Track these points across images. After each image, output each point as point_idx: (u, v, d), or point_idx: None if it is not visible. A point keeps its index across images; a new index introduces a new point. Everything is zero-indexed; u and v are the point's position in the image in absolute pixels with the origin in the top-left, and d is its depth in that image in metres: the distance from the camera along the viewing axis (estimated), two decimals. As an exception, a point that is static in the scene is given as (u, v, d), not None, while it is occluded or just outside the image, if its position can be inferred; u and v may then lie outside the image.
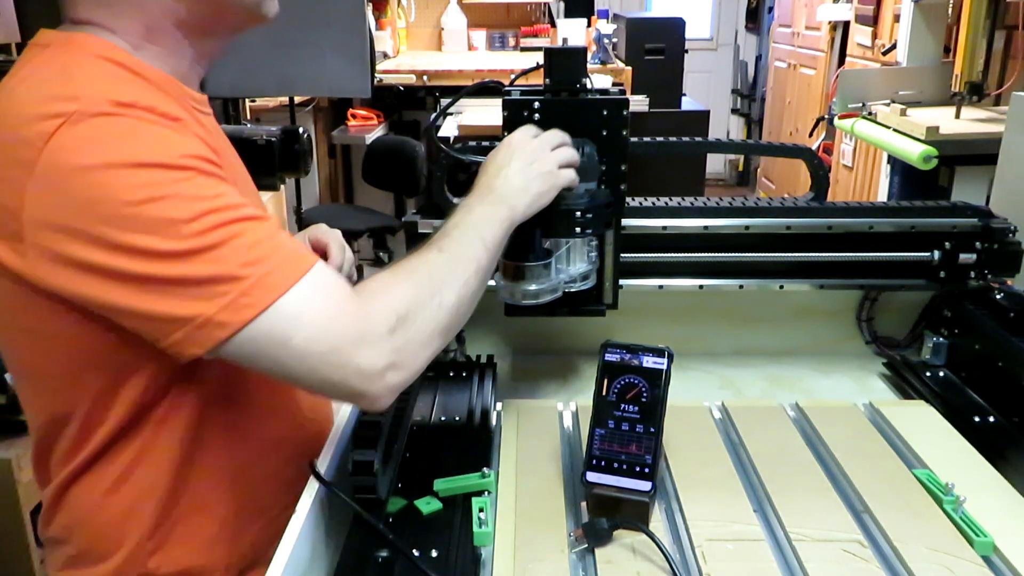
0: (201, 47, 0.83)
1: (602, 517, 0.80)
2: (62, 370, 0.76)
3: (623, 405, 0.83)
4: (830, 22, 4.02)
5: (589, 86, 1.01)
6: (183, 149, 0.70)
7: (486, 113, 3.45)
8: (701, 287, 1.21)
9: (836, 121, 2.84)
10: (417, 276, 0.76)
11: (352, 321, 0.70)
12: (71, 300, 0.69)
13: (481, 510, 0.81)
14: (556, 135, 0.94)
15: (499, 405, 1.08)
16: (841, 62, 3.84)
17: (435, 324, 0.76)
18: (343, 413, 0.88)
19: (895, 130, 2.51)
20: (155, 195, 0.66)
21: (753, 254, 1.20)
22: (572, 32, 4.26)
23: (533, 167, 0.90)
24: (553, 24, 4.80)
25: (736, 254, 1.20)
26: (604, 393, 0.84)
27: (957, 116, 2.52)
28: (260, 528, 0.89)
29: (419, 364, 0.76)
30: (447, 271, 0.78)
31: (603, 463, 0.82)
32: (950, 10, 2.56)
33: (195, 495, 0.83)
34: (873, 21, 3.41)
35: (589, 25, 4.37)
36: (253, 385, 0.87)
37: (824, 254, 1.19)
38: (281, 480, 0.89)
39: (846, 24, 3.82)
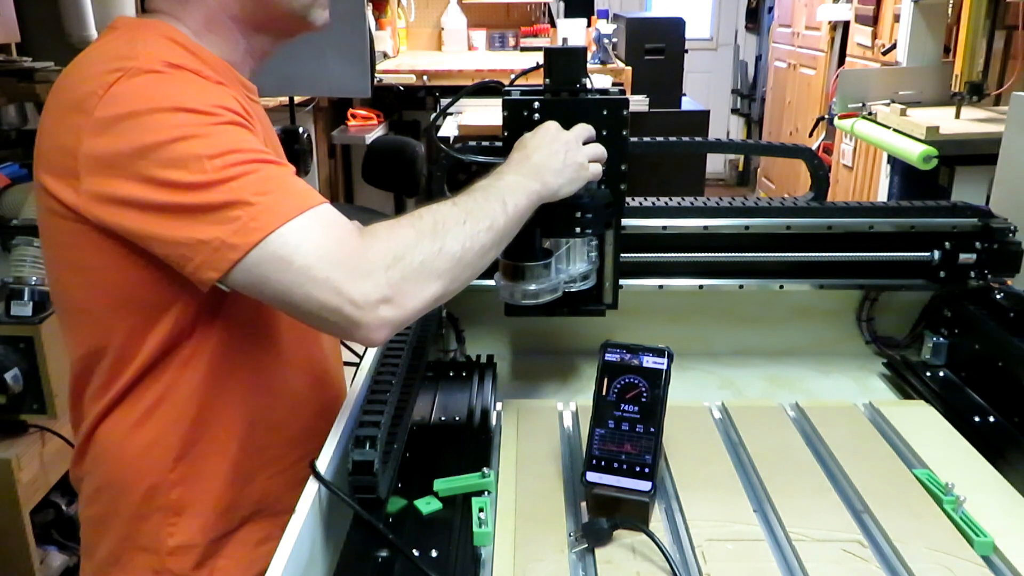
0: (254, 43, 0.92)
1: (602, 517, 0.80)
2: (102, 304, 0.83)
3: (623, 405, 0.83)
4: (830, 22, 4.02)
5: (589, 86, 1.01)
6: (219, 101, 0.78)
7: (486, 113, 3.45)
8: (701, 287, 1.21)
9: (836, 121, 2.84)
10: (422, 222, 0.79)
11: (350, 253, 0.74)
12: (115, 233, 0.76)
13: (481, 510, 0.81)
14: (586, 129, 0.97)
15: (499, 405, 1.08)
16: (841, 62, 3.84)
17: (434, 267, 0.78)
18: (343, 412, 0.88)
19: (895, 130, 2.51)
20: (187, 134, 0.73)
21: (753, 254, 1.20)
22: (572, 32, 4.26)
23: (568, 155, 0.93)
24: (553, 24, 4.79)
25: (736, 254, 1.20)
26: (604, 393, 0.84)
27: (957, 116, 2.52)
28: (269, 476, 0.94)
29: (415, 304, 0.77)
30: (455, 221, 0.80)
31: (603, 463, 0.82)
32: (950, 10, 2.56)
33: (214, 435, 0.89)
34: (873, 21, 3.40)
35: (589, 25, 4.37)
36: (275, 335, 0.92)
37: (824, 254, 1.19)
38: (294, 433, 0.95)
39: (846, 24, 3.82)
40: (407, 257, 0.75)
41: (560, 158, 0.92)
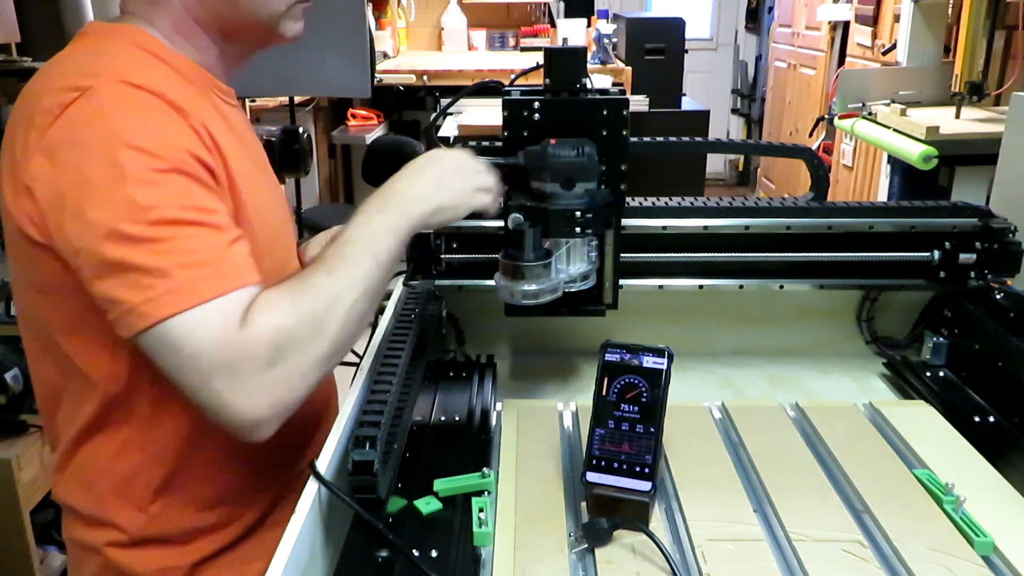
0: (227, 49, 0.90)
1: (602, 517, 0.80)
2: (65, 326, 0.82)
3: (623, 405, 0.83)
4: (830, 22, 4.02)
5: (589, 86, 1.01)
6: (174, 141, 0.75)
7: (486, 113, 3.45)
8: (701, 287, 1.21)
9: (836, 121, 2.84)
10: (302, 304, 0.76)
11: (237, 357, 0.72)
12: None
13: (481, 510, 0.81)
14: (483, 163, 0.95)
15: (499, 405, 1.08)
16: (841, 62, 3.84)
17: (316, 355, 0.77)
18: (343, 412, 0.88)
19: (895, 130, 2.51)
20: (129, 176, 0.71)
21: (753, 254, 1.20)
22: (572, 32, 4.26)
23: (445, 180, 0.90)
24: (553, 24, 4.79)
25: (736, 254, 1.20)
26: (604, 393, 0.84)
27: (957, 116, 2.52)
28: (259, 496, 0.93)
29: (298, 396, 0.76)
30: (333, 298, 0.78)
31: (603, 463, 0.82)
32: (950, 10, 2.56)
33: (199, 463, 0.87)
34: (873, 21, 3.41)
35: (589, 25, 4.37)
36: None
37: (824, 254, 1.19)
38: (284, 453, 0.94)
39: (846, 24, 3.82)
40: (289, 348, 0.74)
41: (432, 183, 0.89)
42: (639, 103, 3.64)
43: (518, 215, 0.96)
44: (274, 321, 0.74)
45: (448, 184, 0.90)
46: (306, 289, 0.78)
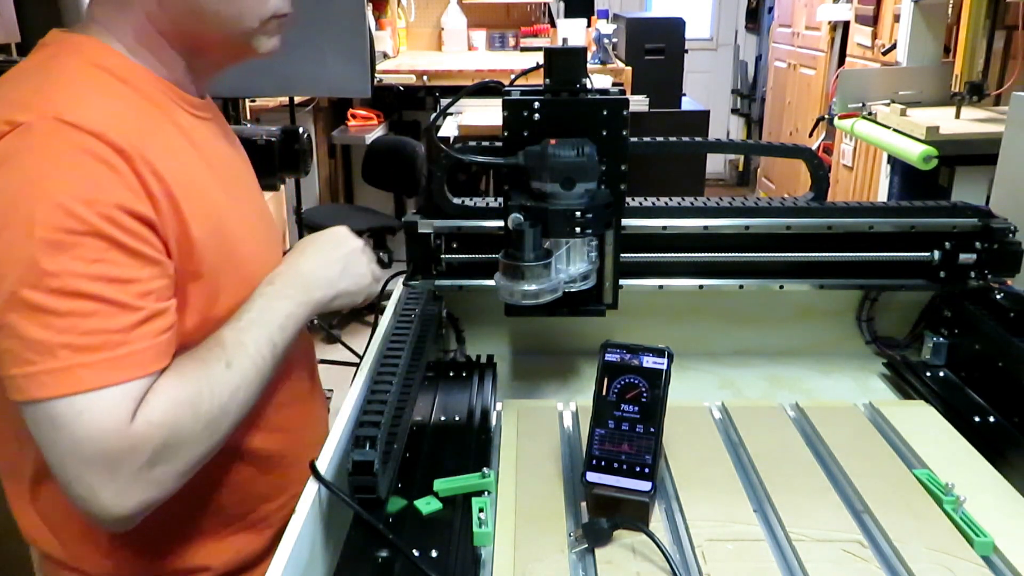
0: (196, 63, 0.85)
1: (602, 517, 0.80)
2: None
3: (623, 405, 0.83)
4: (830, 22, 4.02)
5: (589, 86, 1.01)
6: (101, 196, 0.69)
7: (486, 113, 3.45)
8: (701, 287, 1.21)
9: (836, 121, 2.84)
10: (201, 404, 0.73)
11: (118, 454, 0.68)
12: None
13: (481, 510, 0.81)
14: (367, 249, 0.95)
15: (499, 405, 1.08)
16: (841, 62, 3.84)
17: (201, 454, 0.75)
18: (343, 412, 0.88)
19: (895, 130, 2.51)
20: (41, 235, 0.66)
21: (753, 254, 1.20)
22: (572, 32, 4.26)
23: (350, 265, 0.91)
24: (553, 24, 4.79)
25: (736, 254, 1.20)
26: (604, 393, 0.84)
27: (957, 116, 2.52)
28: (239, 533, 0.90)
29: (169, 494, 0.73)
30: (230, 396, 0.76)
31: (603, 463, 0.82)
32: (950, 10, 2.56)
33: (166, 507, 0.78)
34: (873, 21, 3.41)
35: (589, 25, 4.37)
36: None
37: (824, 254, 1.19)
38: (251, 491, 0.91)
39: (846, 24, 3.82)
40: (176, 448, 0.71)
41: (336, 269, 0.89)
42: (639, 103, 3.64)
43: (518, 215, 0.96)
44: (171, 421, 0.71)
45: (352, 269, 0.90)
46: (207, 384, 0.74)
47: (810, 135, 3.92)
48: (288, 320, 0.84)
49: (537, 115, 1.00)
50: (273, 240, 0.96)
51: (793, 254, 1.19)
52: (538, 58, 1.01)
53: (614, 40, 3.97)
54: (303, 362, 0.99)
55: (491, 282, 1.01)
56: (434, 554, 0.74)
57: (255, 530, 0.92)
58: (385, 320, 1.09)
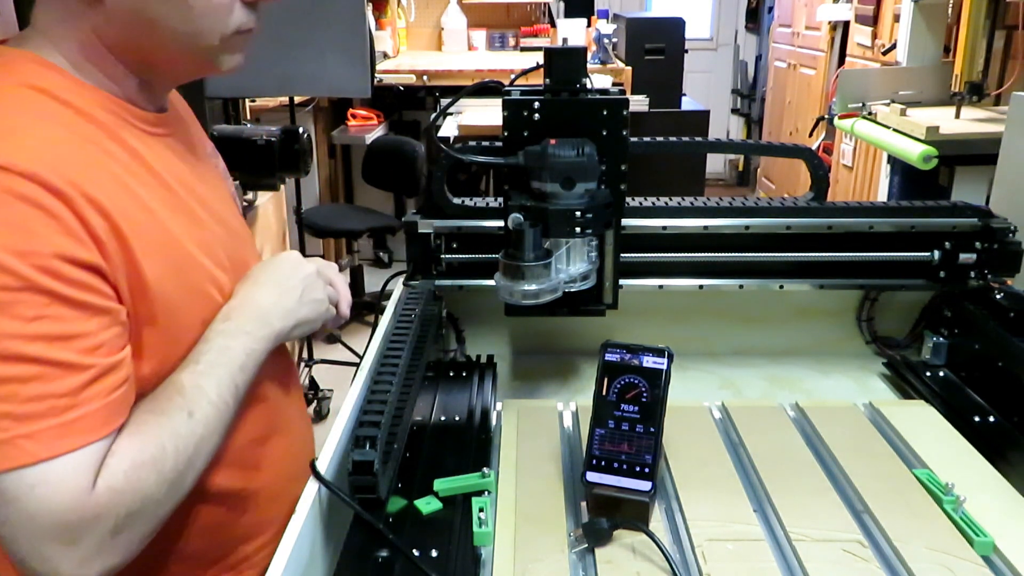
0: (151, 79, 0.77)
1: (602, 517, 0.80)
2: None
3: (623, 405, 0.83)
4: (830, 22, 4.02)
5: (589, 86, 1.01)
6: (36, 246, 0.62)
7: (486, 113, 3.45)
8: (701, 287, 1.21)
9: (836, 121, 2.84)
10: (165, 463, 0.68)
11: (77, 523, 0.63)
12: None
13: (481, 510, 0.81)
14: (328, 266, 0.92)
15: (499, 405, 1.08)
16: (841, 62, 3.84)
17: (165, 514, 0.70)
18: (343, 412, 0.88)
19: (895, 130, 2.51)
20: None
21: (753, 254, 1.20)
22: (572, 32, 4.26)
23: (306, 291, 0.86)
24: (553, 24, 4.79)
25: (736, 254, 1.20)
26: (604, 393, 0.84)
27: (957, 116, 2.53)
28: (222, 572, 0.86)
29: (138, 552, 0.69)
30: (195, 449, 0.71)
31: (603, 463, 0.82)
32: (950, 10, 2.56)
33: (138, 561, 0.72)
34: (873, 21, 3.41)
35: (589, 25, 4.37)
36: None
37: (824, 254, 1.19)
38: (228, 534, 0.85)
39: (846, 24, 3.82)
40: (139, 514, 0.66)
41: (295, 296, 0.84)
42: (639, 103, 3.65)
43: (518, 215, 0.96)
44: (134, 486, 0.66)
45: (309, 296, 0.86)
46: (170, 440, 0.69)
47: (810, 135, 3.92)
48: (249, 358, 0.79)
49: (537, 115, 1.00)
50: (245, 257, 0.89)
51: (793, 254, 1.19)
52: (538, 58, 1.01)
53: (614, 40, 3.97)
54: (278, 391, 0.90)
55: (491, 282, 1.01)
56: (434, 554, 0.74)
57: (236, 571, 0.87)
58: (385, 320, 1.09)
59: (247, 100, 3.20)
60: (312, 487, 0.77)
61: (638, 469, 0.81)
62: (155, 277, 0.71)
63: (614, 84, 3.60)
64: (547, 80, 1.01)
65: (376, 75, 3.76)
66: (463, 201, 1.21)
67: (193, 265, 0.77)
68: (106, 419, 0.65)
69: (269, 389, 0.87)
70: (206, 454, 0.74)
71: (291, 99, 2.96)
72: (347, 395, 0.92)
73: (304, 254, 0.92)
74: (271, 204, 2.55)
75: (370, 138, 3.73)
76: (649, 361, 0.84)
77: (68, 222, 0.63)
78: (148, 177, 0.74)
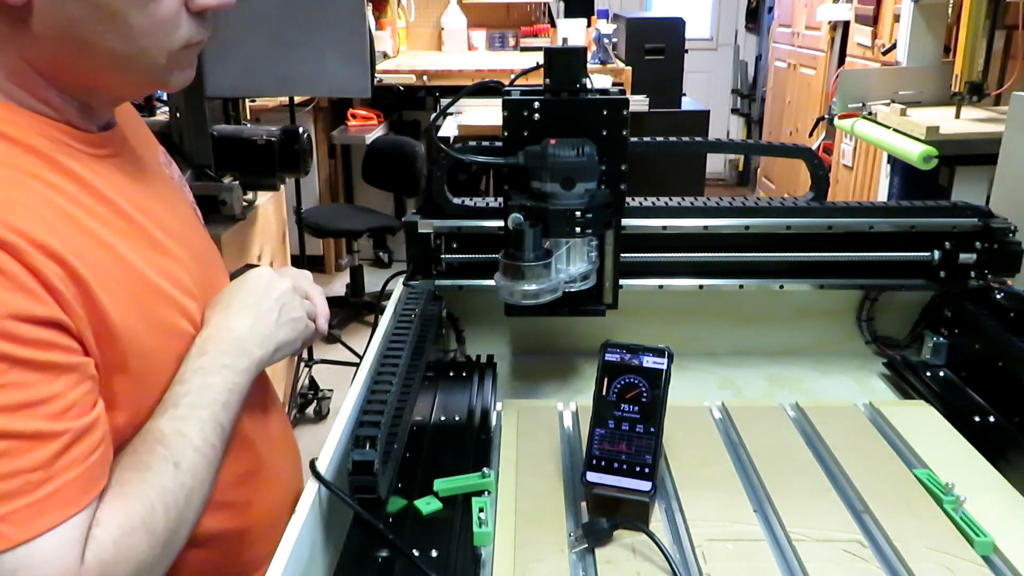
0: (91, 100, 0.70)
1: (602, 517, 0.80)
2: None
3: (623, 405, 0.83)
4: (830, 22, 4.02)
5: (589, 86, 1.01)
6: None
7: (486, 113, 3.46)
8: (701, 287, 1.21)
9: (836, 121, 2.84)
10: (156, 524, 0.64)
11: None
12: None
13: (481, 510, 0.81)
14: (303, 276, 0.87)
15: (499, 405, 1.08)
16: (841, 62, 3.84)
17: (163, 570, 0.66)
18: (343, 412, 0.88)
19: (895, 130, 2.51)
20: None
21: (753, 254, 1.20)
22: (572, 32, 4.26)
23: (283, 311, 0.81)
24: (553, 24, 4.79)
25: (736, 254, 1.20)
26: (604, 393, 0.84)
27: (957, 116, 2.53)
28: None
29: None
30: (185, 502, 0.67)
31: (603, 463, 0.82)
32: (950, 10, 2.56)
33: None
34: (873, 21, 3.41)
35: (589, 25, 4.37)
36: None
37: (824, 254, 1.19)
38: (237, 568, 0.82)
39: (846, 24, 3.82)
40: None
41: (271, 319, 0.79)
42: (639, 103, 3.65)
43: (518, 215, 0.96)
44: (125, 554, 0.61)
45: (287, 315, 0.81)
46: (158, 498, 0.64)
47: (810, 135, 3.92)
48: (231, 395, 0.73)
49: (537, 115, 1.00)
50: (212, 279, 0.82)
51: (793, 254, 1.19)
52: (538, 58, 1.01)
53: (614, 40, 3.97)
54: (259, 418, 0.85)
55: (491, 282, 1.01)
56: (434, 554, 0.74)
57: None
58: (385, 320, 1.09)
59: (247, 100, 3.20)
60: (312, 487, 0.77)
61: (638, 469, 0.81)
62: (122, 319, 0.65)
63: (614, 84, 3.60)
64: (547, 80, 1.01)
65: (376, 75, 3.76)
66: (463, 201, 1.21)
67: (161, 299, 0.71)
68: (85, 487, 0.60)
69: (249, 421, 0.82)
70: (197, 505, 0.69)
71: (291, 99, 2.96)
72: (347, 395, 0.92)
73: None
74: (271, 204, 2.55)
75: (370, 138, 3.74)
76: (649, 361, 0.84)
77: (18, 276, 0.57)
78: (100, 207, 0.67)
